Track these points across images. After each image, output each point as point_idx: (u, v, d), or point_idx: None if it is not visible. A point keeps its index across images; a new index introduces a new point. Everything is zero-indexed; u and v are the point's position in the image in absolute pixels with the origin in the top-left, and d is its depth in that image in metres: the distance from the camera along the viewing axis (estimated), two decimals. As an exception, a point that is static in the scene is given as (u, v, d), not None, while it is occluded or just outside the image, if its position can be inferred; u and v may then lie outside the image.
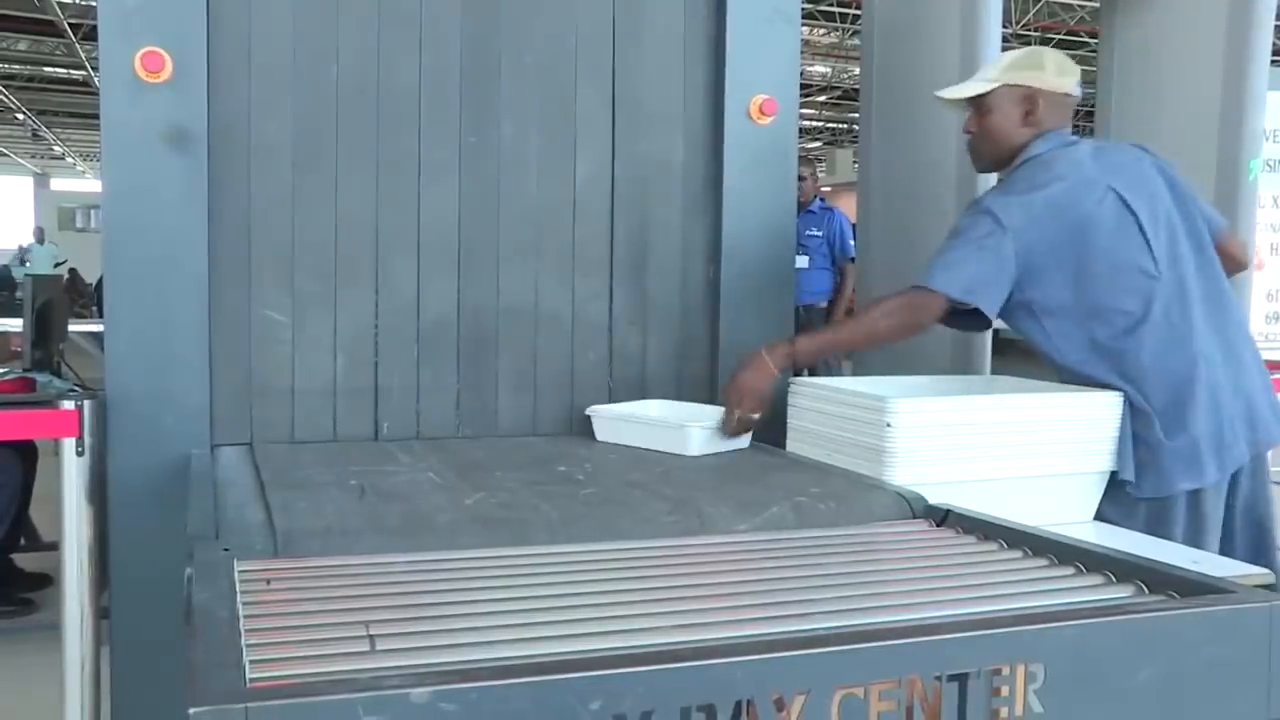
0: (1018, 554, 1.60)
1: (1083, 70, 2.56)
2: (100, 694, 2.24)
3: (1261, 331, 4.93)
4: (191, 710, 0.87)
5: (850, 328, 2.50)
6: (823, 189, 7.72)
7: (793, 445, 2.36)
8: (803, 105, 3.99)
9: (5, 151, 27.72)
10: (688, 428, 2.28)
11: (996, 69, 2.43)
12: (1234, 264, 2.47)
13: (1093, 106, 4.08)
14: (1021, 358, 3.06)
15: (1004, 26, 3.26)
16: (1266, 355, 2.77)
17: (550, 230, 2.58)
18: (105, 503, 2.23)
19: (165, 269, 2.24)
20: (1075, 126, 2.76)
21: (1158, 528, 2.19)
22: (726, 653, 1.07)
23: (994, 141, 2.41)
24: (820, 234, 6.31)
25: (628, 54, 2.63)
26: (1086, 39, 15.46)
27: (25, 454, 3.98)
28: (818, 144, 24.87)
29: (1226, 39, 3.44)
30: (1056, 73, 2.38)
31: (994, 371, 3.28)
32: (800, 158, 2.96)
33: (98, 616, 2.23)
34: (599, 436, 2.44)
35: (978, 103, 2.42)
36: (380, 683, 0.94)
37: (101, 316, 2.55)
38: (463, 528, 1.62)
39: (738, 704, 1.03)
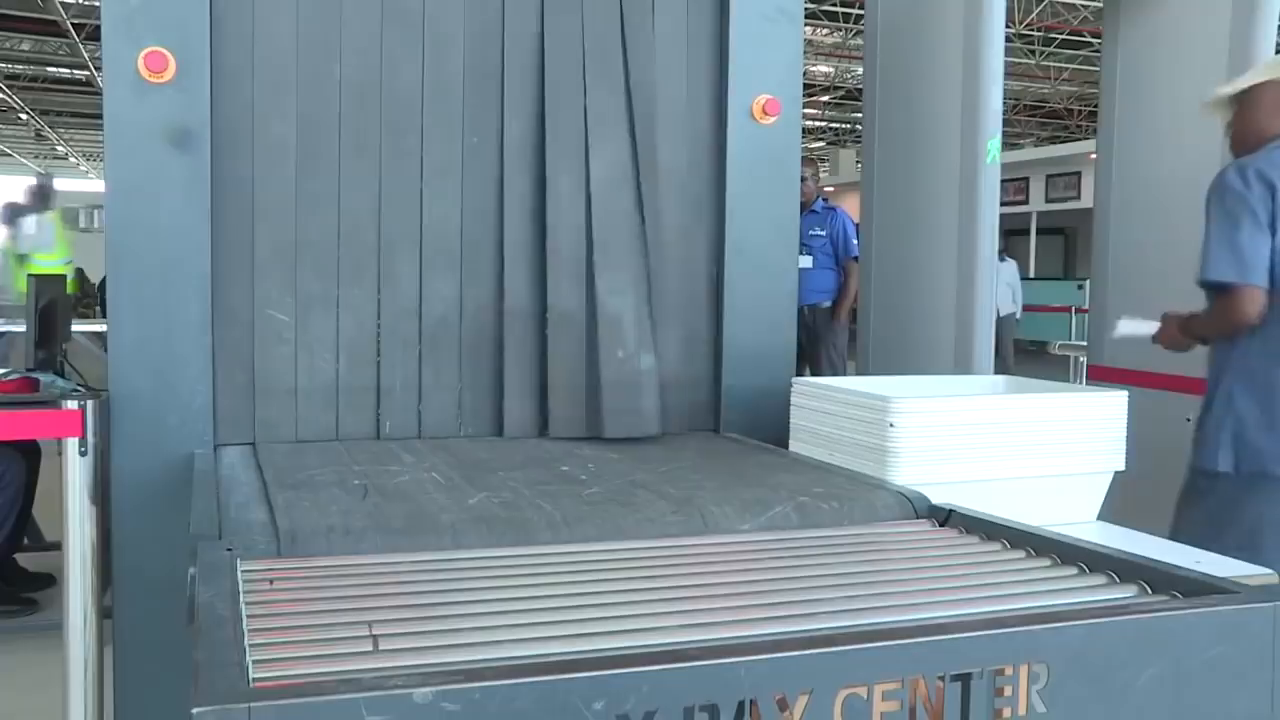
0: (1021, 554, 1.60)
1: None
2: (103, 693, 2.24)
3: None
4: (194, 710, 0.87)
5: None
6: (825, 189, 7.71)
7: (795, 445, 2.36)
8: (805, 105, 3.99)
9: (9, 151, 27.74)
10: None
11: (1264, 66, 2.69)
12: None
13: (1095, 107, 4.07)
14: (1026, 358, 3.07)
15: (1007, 26, 3.25)
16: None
17: (552, 230, 2.57)
18: (108, 502, 2.23)
19: (168, 269, 2.24)
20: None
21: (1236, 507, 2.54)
22: (729, 652, 1.07)
23: (1253, 131, 2.67)
24: (824, 234, 6.30)
25: (630, 54, 2.62)
26: (1090, 39, 15.45)
27: (28, 454, 3.98)
28: (821, 144, 24.87)
29: (1230, 39, 3.43)
30: None
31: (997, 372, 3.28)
32: (802, 158, 2.96)
33: (100, 616, 2.23)
34: None
35: (1241, 97, 2.70)
36: (383, 682, 0.94)
37: (104, 316, 2.55)
38: (466, 527, 1.62)
39: (741, 704, 1.03)
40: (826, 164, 21.25)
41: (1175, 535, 2.59)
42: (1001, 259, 11.35)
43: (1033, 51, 16.72)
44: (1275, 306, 2.54)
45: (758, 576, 1.47)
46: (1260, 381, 2.56)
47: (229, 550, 1.44)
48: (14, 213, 8.67)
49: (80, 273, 18.09)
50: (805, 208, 6.06)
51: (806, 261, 5.96)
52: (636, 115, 2.62)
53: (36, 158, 29.39)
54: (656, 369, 2.54)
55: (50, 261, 8.40)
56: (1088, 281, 5.25)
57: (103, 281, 11.80)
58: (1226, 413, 2.61)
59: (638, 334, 2.54)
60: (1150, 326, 2.91)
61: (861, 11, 5.60)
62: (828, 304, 6.32)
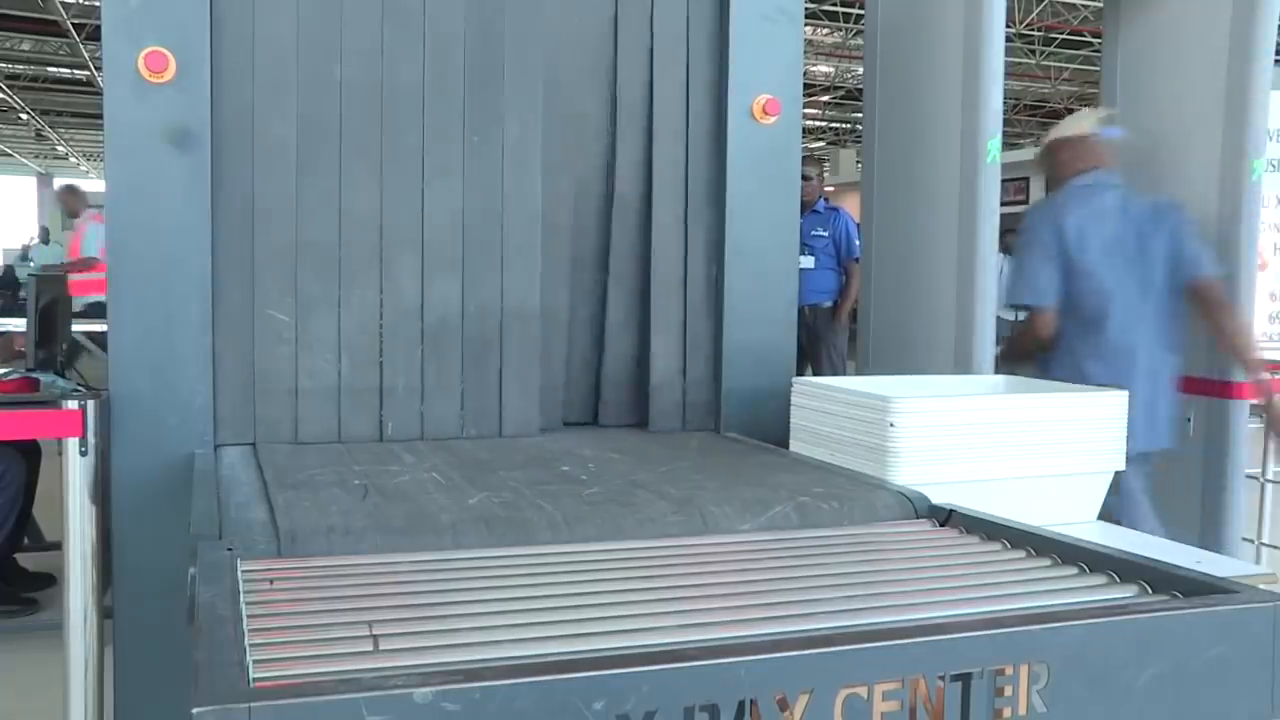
0: (1021, 554, 1.60)
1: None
2: (103, 693, 2.24)
3: (1265, 331, 4.92)
4: (195, 710, 0.87)
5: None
6: (825, 189, 7.68)
7: (796, 445, 2.36)
8: (805, 105, 3.99)
9: (9, 151, 27.75)
10: None
11: (1061, 125, 3.23)
12: (1204, 303, 3.02)
13: (1095, 107, 4.07)
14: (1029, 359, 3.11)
15: (1007, 26, 3.26)
16: (1269, 356, 2.78)
17: (553, 230, 2.58)
18: (108, 502, 2.23)
19: (168, 269, 2.24)
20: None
21: None
22: (730, 652, 1.07)
23: (1057, 177, 3.19)
24: (826, 234, 6.29)
25: (630, 54, 2.63)
26: (1090, 39, 15.44)
27: (29, 454, 3.98)
28: (821, 144, 24.87)
29: (1230, 38, 3.43)
30: (1074, 122, 3.21)
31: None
32: (806, 158, 2.96)
33: (101, 616, 2.23)
34: None
35: (1046, 151, 3.26)
36: (383, 682, 0.94)
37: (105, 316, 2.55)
38: (466, 527, 1.62)
39: (741, 704, 1.03)
40: (827, 164, 21.23)
41: None
42: None
43: (1033, 51, 16.71)
44: (1074, 322, 2.98)
45: (758, 576, 1.47)
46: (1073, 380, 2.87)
47: (229, 550, 1.44)
48: None
49: (80, 273, 18.03)
50: (808, 208, 6.05)
51: (808, 262, 5.95)
52: (625, 117, 2.62)
53: (37, 157, 29.40)
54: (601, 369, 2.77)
55: None
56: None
57: (103, 281, 11.78)
58: None
59: (588, 335, 2.74)
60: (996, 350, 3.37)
61: (861, 11, 5.59)
62: (829, 304, 6.31)
